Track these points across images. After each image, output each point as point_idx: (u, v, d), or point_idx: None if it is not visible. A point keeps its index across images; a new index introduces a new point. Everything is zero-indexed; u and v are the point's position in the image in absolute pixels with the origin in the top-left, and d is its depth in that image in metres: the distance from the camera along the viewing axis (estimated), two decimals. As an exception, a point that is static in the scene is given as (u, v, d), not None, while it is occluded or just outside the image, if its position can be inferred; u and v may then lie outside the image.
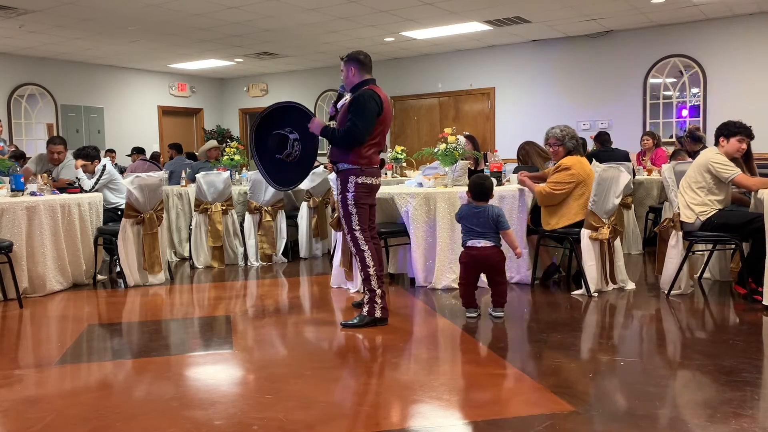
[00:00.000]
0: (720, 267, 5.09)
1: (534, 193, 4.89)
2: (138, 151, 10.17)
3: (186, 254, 6.89)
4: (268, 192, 6.48)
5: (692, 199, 4.50)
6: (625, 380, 2.94)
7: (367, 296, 3.95)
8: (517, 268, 5.05)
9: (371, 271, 3.91)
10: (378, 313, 3.90)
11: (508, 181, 5.50)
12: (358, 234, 3.91)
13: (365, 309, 3.94)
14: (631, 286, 4.87)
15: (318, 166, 7.48)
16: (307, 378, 3.04)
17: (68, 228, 5.25)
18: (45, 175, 5.66)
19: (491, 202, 4.17)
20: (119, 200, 5.99)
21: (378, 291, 3.92)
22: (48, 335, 3.95)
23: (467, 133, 6.62)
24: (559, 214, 4.81)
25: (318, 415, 2.58)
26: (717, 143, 4.57)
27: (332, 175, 5.23)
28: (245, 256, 6.53)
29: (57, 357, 3.46)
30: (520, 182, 5.03)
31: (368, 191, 3.95)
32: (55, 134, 11.03)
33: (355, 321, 3.93)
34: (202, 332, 3.98)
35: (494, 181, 5.24)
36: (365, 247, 3.91)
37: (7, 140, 9.69)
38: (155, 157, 10.22)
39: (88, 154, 6.11)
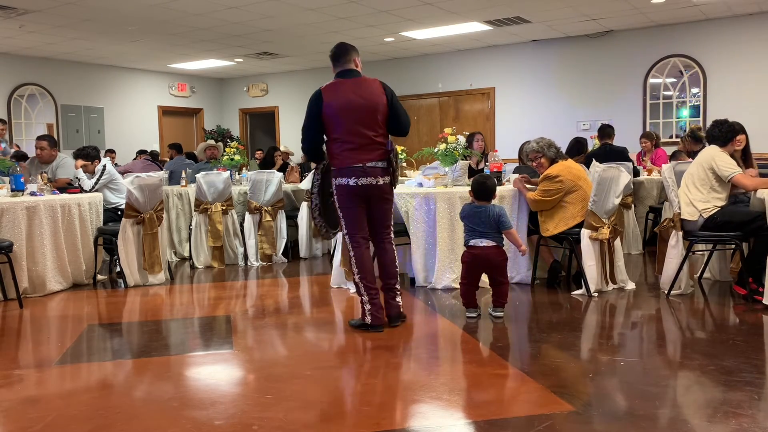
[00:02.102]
0: (720, 267, 5.09)
1: (526, 199, 4.93)
2: (142, 153, 10.18)
3: (186, 254, 6.89)
4: (268, 192, 6.48)
5: (695, 197, 4.50)
6: (625, 380, 2.94)
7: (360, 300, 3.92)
8: (518, 268, 5.05)
9: (356, 278, 3.83)
10: (368, 319, 3.80)
11: (508, 181, 5.51)
12: (346, 238, 3.84)
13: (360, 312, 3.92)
14: (631, 286, 4.87)
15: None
16: (307, 378, 3.04)
17: (68, 228, 5.25)
18: (45, 174, 5.66)
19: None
20: (119, 200, 5.99)
21: (365, 297, 3.80)
22: (48, 335, 3.94)
23: (468, 133, 6.61)
24: (557, 219, 4.82)
25: (318, 415, 2.58)
26: (727, 143, 4.53)
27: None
28: (245, 256, 6.53)
29: (57, 357, 3.46)
30: (515, 186, 5.04)
31: (347, 193, 3.74)
32: (55, 134, 11.05)
33: (352, 322, 3.95)
34: (202, 332, 3.98)
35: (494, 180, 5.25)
36: (352, 252, 3.83)
37: (8, 141, 9.69)
38: (154, 155, 10.21)
39: (88, 154, 6.11)
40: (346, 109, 3.70)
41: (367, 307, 3.79)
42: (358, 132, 3.71)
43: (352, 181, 3.71)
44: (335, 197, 3.80)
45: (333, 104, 3.70)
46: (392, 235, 3.98)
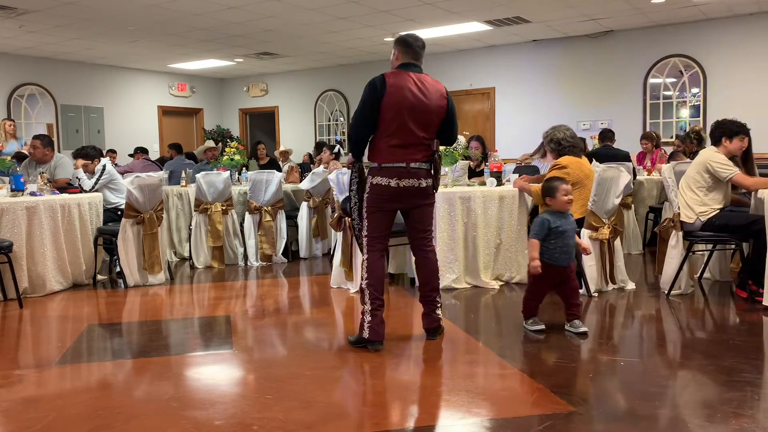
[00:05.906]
0: (720, 267, 5.09)
1: (530, 193, 4.92)
2: (140, 152, 10.17)
3: (186, 254, 6.89)
4: (268, 192, 6.48)
5: (692, 200, 4.50)
6: (625, 380, 2.94)
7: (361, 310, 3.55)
8: (518, 268, 5.05)
9: (364, 284, 3.48)
10: (366, 333, 3.42)
11: (508, 180, 5.51)
12: (364, 240, 3.52)
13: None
14: (631, 286, 4.87)
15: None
16: (307, 378, 3.04)
17: (68, 228, 5.25)
18: (44, 174, 5.66)
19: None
20: (119, 200, 5.99)
21: (366, 307, 3.44)
22: (48, 335, 3.94)
23: (469, 135, 6.62)
24: (555, 213, 4.82)
25: (318, 415, 2.58)
26: (718, 144, 4.56)
27: (332, 176, 5.24)
28: (245, 256, 6.53)
29: (57, 357, 3.46)
30: (516, 187, 5.04)
31: (383, 194, 3.44)
32: (55, 134, 11.06)
33: (351, 339, 3.59)
34: (202, 332, 3.98)
35: (494, 180, 5.26)
36: (366, 256, 3.51)
37: (24, 139, 9.73)
38: (163, 161, 10.16)
39: (88, 154, 6.11)
40: (405, 103, 3.38)
41: (367, 318, 3.42)
42: (410, 130, 3.42)
43: (393, 182, 3.42)
44: (366, 196, 3.50)
45: (394, 93, 3.37)
46: (434, 242, 3.69)
